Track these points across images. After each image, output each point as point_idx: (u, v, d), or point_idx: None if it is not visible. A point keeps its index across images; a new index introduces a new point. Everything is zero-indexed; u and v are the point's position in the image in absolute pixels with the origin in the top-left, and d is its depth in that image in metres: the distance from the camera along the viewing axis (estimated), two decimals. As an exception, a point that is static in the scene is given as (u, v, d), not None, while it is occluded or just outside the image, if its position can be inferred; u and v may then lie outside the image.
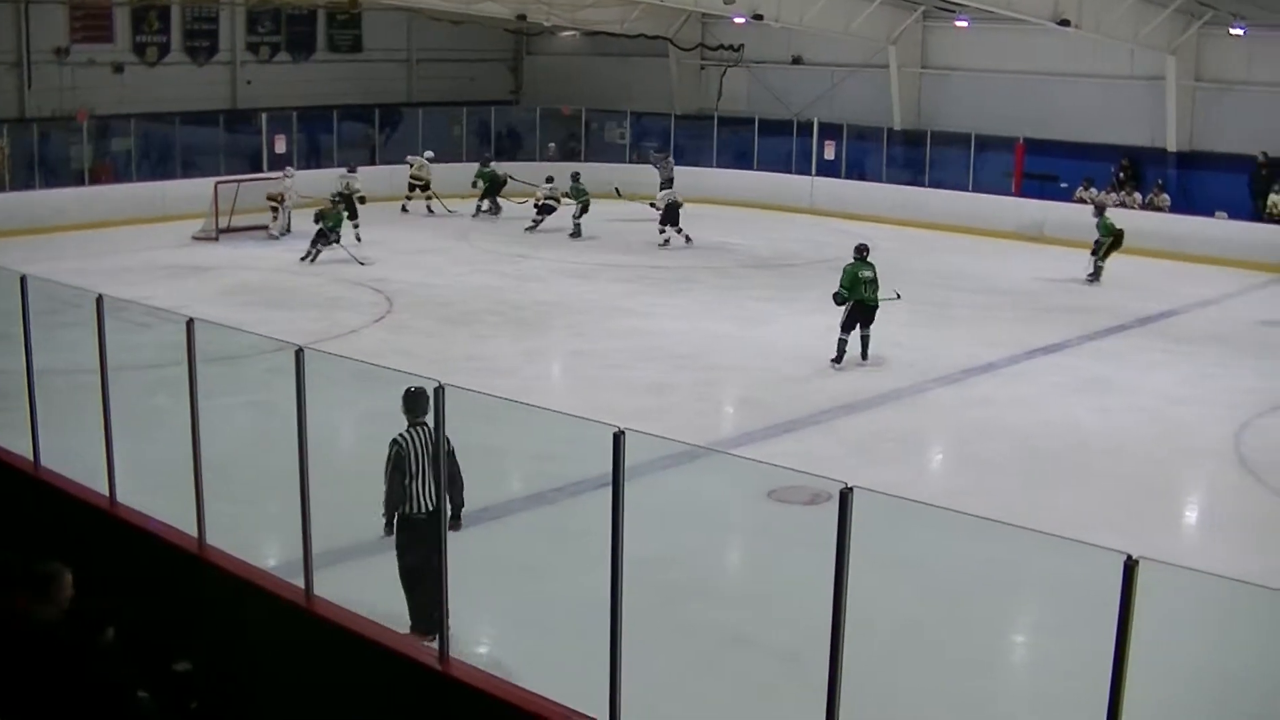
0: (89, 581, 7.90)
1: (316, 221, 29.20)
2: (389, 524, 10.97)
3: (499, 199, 37.08)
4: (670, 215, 32.35)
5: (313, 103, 40.30)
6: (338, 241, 29.16)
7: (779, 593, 11.76)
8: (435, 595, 10.46)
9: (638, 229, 33.81)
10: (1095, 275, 28.51)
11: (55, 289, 13.22)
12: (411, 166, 37.78)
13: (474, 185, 37.27)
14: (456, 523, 10.74)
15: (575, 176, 34.12)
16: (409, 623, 10.75)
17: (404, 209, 37.16)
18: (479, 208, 37.05)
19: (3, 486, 11.79)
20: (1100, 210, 29.05)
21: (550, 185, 34.63)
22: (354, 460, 16.38)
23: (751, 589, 11.07)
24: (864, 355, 20.85)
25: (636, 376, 20.12)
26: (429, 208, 37.40)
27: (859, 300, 20.58)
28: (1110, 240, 28.54)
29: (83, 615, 7.40)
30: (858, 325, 20.72)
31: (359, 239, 30.76)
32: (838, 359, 20.60)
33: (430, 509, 10.66)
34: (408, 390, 11.06)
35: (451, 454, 10.60)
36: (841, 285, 20.61)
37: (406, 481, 10.77)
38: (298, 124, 39.29)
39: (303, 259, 29.07)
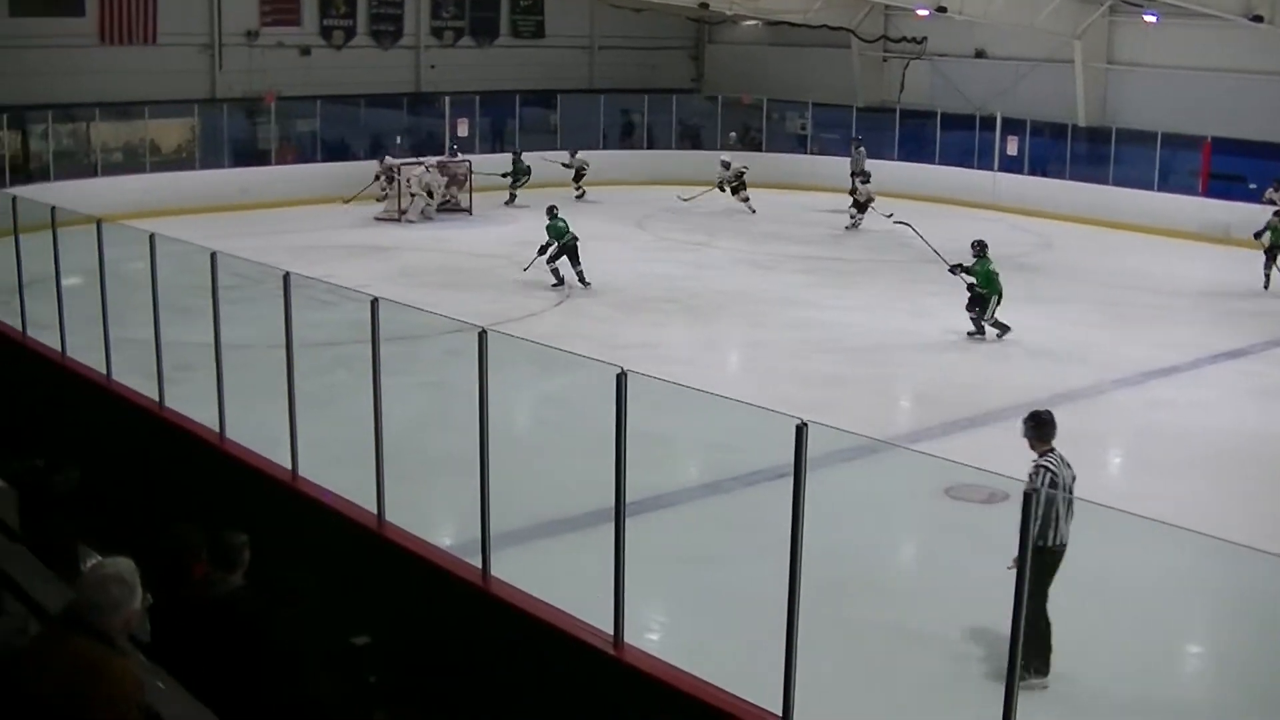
0: (270, 554, 8.01)
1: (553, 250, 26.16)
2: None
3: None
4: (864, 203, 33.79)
5: (495, 87, 40.83)
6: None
7: (953, 591, 11.62)
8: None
9: (821, 219, 33.90)
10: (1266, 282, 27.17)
11: (238, 265, 13.44)
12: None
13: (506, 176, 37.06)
14: None
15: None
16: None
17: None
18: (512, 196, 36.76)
19: (189, 456, 12.07)
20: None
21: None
22: (531, 443, 16.52)
23: (926, 587, 10.93)
24: (1000, 335, 22.17)
25: (813, 368, 20.01)
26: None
27: (998, 292, 22.11)
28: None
29: (273, 586, 7.48)
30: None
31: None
32: (1002, 332, 22.01)
33: (1064, 542, 10.00)
34: (1039, 417, 10.37)
35: (1073, 481, 10.27)
36: (979, 283, 22.15)
37: (1052, 513, 9.83)
38: (480, 108, 39.79)
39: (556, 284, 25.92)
